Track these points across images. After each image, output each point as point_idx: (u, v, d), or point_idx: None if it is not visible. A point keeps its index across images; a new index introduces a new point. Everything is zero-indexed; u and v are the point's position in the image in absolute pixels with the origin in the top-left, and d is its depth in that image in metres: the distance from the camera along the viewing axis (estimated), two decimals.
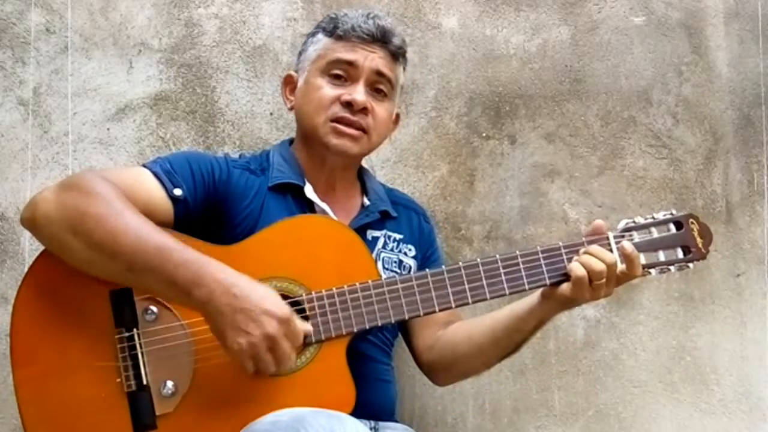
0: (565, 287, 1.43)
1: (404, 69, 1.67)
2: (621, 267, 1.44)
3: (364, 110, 1.56)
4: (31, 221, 1.36)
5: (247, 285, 1.31)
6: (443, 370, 1.64)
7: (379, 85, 1.59)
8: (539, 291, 1.48)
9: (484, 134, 1.99)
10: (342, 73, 1.57)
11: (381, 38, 1.58)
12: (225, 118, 1.90)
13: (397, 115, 1.72)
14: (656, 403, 1.97)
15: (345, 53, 1.56)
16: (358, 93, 1.55)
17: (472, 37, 2.00)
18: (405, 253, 1.65)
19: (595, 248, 1.43)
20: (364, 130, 1.56)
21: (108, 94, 1.86)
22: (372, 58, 1.57)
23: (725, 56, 2.07)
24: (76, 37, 1.86)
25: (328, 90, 1.56)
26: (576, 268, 1.42)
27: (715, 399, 1.98)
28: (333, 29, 1.59)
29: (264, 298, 1.30)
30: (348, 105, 1.54)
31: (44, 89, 1.84)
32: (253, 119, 1.91)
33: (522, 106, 2.00)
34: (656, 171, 2.02)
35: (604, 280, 1.41)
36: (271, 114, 1.92)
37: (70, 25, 1.86)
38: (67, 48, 1.85)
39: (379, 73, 1.58)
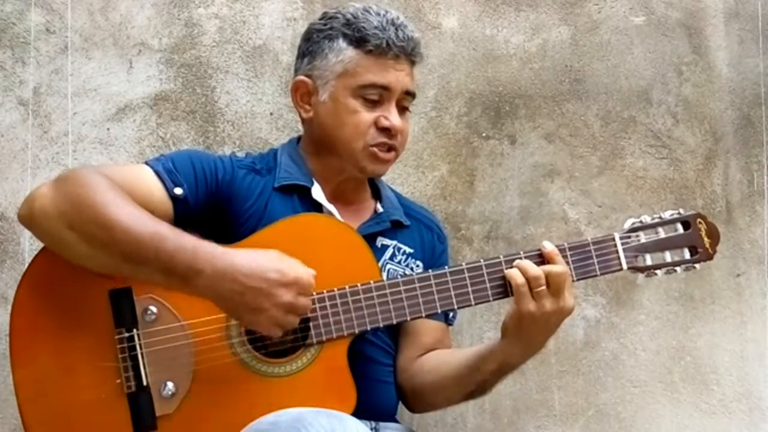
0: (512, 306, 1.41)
1: None
2: (555, 269, 1.40)
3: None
4: (28, 218, 1.35)
5: (243, 261, 1.29)
6: (411, 395, 1.60)
7: (405, 102, 1.56)
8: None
9: (484, 134, 1.99)
10: (377, 97, 1.52)
11: (411, 52, 1.53)
12: (225, 118, 1.90)
13: None
14: (656, 403, 1.97)
15: (379, 76, 1.50)
16: (395, 117, 1.51)
17: (472, 37, 2.00)
18: (412, 269, 1.59)
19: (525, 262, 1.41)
20: (395, 149, 1.55)
21: (108, 94, 1.86)
22: (402, 78, 1.52)
23: (725, 56, 2.06)
24: (76, 37, 1.86)
25: (364, 115, 1.51)
26: (512, 274, 1.40)
27: (715, 399, 1.98)
28: (360, 41, 1.50)
29: (265, 270, 1.29)
30: (385, 130, 1.51)
31: (44, 89, 1.84)
32: (253, 119, 1.91)
33: (522, 106, 2.00)
34: (656, 171, 2.02)
35: (544, 287, 1.38)
36: (271, 114, 1.92)
37: (70, 25, 1.86)
38: (67, 48, 1.85)
39: (407, 92, 1.54)
